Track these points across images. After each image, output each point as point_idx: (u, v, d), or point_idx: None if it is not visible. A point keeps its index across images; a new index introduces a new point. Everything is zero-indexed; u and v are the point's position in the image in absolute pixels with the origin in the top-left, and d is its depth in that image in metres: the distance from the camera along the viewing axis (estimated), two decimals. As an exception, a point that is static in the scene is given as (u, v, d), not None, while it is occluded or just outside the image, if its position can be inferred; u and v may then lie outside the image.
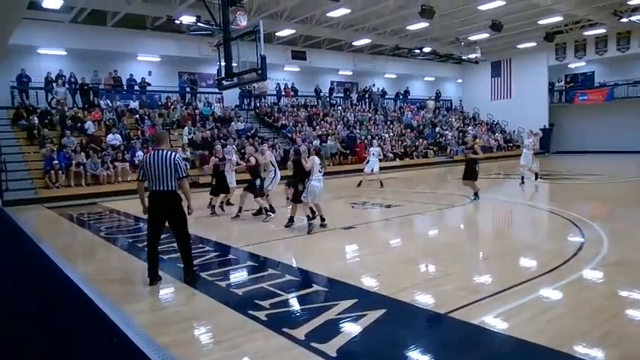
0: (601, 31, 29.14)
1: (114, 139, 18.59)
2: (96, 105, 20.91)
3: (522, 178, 15.90)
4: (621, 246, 7.29)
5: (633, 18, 24.74)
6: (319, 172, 9.06)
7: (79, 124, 19.09)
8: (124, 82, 23.16)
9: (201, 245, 8.17)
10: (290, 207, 9.70)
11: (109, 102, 21.81)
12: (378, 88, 34.32)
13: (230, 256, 7.52)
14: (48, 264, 7.33)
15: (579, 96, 32.63)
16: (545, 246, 7.89)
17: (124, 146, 18.47)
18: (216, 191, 11.69)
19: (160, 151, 5.87)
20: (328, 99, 30.16)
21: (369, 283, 5.87)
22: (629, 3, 23.25)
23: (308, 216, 8.94)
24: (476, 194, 12.47)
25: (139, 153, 18.27)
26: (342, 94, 31.96)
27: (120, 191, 16.30)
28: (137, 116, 21.02)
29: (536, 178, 15.97)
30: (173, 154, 5.90)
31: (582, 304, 4.93)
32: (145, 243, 7.81)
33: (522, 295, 5.12)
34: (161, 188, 5.79)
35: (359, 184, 16.72)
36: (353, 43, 29.37)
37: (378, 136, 25.81)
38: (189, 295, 5.67)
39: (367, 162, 16.69)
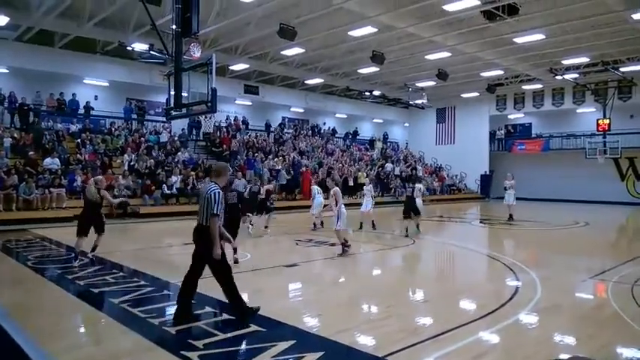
0: (538, 86, 31.19)
1: (52, 163, 17.76)
2: (34, 126, 20.00)
3: (511, 216, 18.26)
4: (553, 291, 7.54)
5: (567, 76, 26.60)
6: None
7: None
8: (69, 105, 22.38)
9: (136, 279, 7.82)
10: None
11: (50, 123, 20.92)
12: (329, 127, 34.96)
13: (165, 292, 7.20)
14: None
15: (517, 145, 34.38)
16: (483, 290, 8.05)
17: (61, 171, 17.65)
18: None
19: (209, 184, 5.72)
20: (280, 134, 30.33)
21: (309, 323, 5.76)
22: (563, 62, 25.04)
23: (343, 243, 10.16)
24: None
25: (78, 179, 17.56)
26: (293, 130, 32.27)
27: (53, 218, 15.52)
28: (79, 140, 20.24)
29: (511, 218, 18.10)
30: (213, 188, 5.55)
31: (517, 348, 5.03)
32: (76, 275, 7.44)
33: (460, 339, 5.16)
34: (199, 220, 5.59)
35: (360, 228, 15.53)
36: (305, 82, 29.91)
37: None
38: (118, 332, 5.34)
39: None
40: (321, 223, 15.24)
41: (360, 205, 16.32)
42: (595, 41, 21.52)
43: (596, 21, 18.75)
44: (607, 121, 28.20)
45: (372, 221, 15.71)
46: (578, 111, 32.11)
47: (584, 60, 24.64)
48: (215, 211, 5.40)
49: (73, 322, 5.55)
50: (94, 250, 9.33)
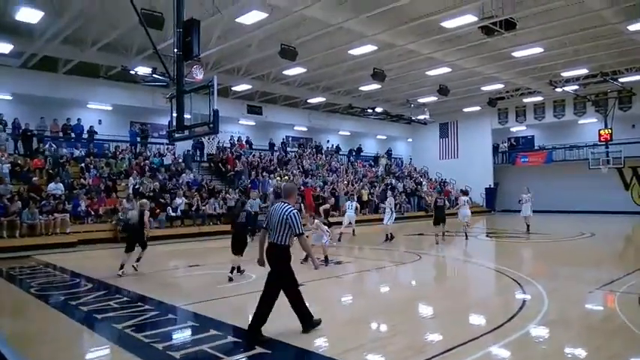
0: (539, 98, 31.27)
1: (56, 188, 17.74)
2: (40, 152, 20.11)
3: (528, 227, 18.94)
4: (561, 303, 7.50)
5: (567, 88, 26.75)
6: None
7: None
8: (73, 130, 22.56)
9: (140, 304, 7.77)
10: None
11: (53, 147, 20.97)
12: (332, 145, 35.06)
13: (170, 316, 7.14)
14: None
15: (521, 158, 34.35)
16: (490, 304, 7.99)
17: (65, 196, 17.65)
18: None
19: (282, 204, 5.99)
20: (283, 153, 30.41)
21: (315, 343, 5.70)
22: (562, 74, 25.17)
23: (326, 256, 11.38)
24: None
25: (82, 204, 17.58)
26: (297, 148, 32.38)
27: (57, 244, 15.49)
28: (82, 165, 20.32)
29: (528, 229, 18.86)
30: (290, 209, 5.89)
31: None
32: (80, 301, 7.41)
33: (468, 354, 5.12)
34: (271, 240, 5.91)
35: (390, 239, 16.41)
36: (308, 101, 30.10)
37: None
38: (121, 358, 5.31)
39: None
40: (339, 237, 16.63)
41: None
42: (593, 53, 21.65)
43: (594, 33, 18.86)
44: (609, 132, 28.26)
45: (388, 234, 16.38)
46: (579, 122, 32.13)
47: (583, 72, 24.75)
48: (300, 231, 5.86)
49: (75, 348, 5.52)
50: (138, 260, 10.77)
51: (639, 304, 7.21)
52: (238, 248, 9.65)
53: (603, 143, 28.90)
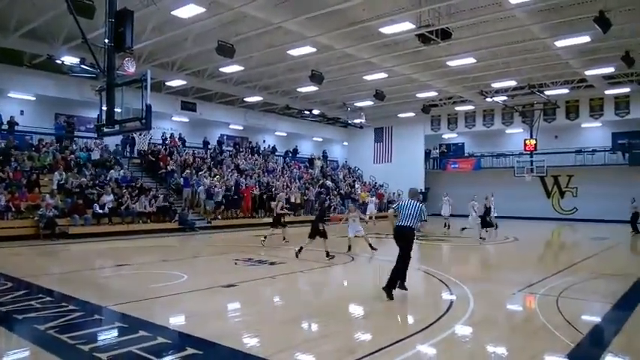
0: (470, 107, 32.68)
1: (-29, 181, 16.51)
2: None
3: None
4: (485, 304, 7.84)
5: (496, 99, 28.14)
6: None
7: None
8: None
9: (64, 304, 7.35)
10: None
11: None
12: (269, 145, 34.85)
13: (96, 317, 6.80)
14: None
15: (451, 164, 35.70)
16: (420, 305, 8.22)
17: (-18, 190, 16.43)
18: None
19: (412, 201, 8.28)
20: (218, 152, 29.80)
21: (247, 345, 5.64)
22: (492, 85, 26.43)
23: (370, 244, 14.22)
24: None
25: (2, 198, 16.42)
26: (232, 148, 31.87)
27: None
28: (1, 157, 18.91)
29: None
30: (419, 204, 8.24)
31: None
32: None
33: (398, 353, 5.23)
34: (403, 224, 8.09)
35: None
36: (245, 99, 29.73)
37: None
38: (42, 361, 5.00)
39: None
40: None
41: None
42: (522, 66, 22.93)
43: (523, 47, 19.97)
44: (533, 142, 29.89)
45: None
46: (507, 131, 33.84)
47: (512, 83, 26.15)
48: (426, 219, 8.47)
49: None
50: (285, 238, 15.76)
51: (557, 305, 7.63)
52: (311, 234, 12.53)
53: (528, 153, 30.56)
